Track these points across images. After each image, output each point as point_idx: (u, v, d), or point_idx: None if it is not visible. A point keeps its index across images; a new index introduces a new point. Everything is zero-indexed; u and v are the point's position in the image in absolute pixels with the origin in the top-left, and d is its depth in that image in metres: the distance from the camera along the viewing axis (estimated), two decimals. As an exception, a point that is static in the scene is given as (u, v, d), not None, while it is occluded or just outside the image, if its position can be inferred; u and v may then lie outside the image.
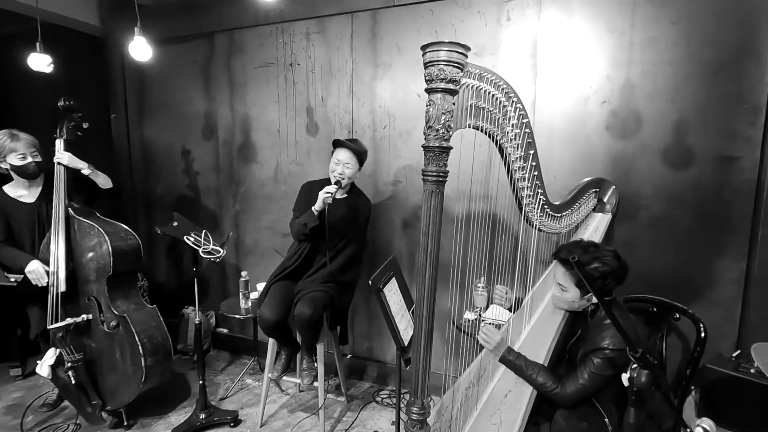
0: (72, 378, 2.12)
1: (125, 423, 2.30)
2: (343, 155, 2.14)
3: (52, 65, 2.38)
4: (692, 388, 1.75)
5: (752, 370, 1.77)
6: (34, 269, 2.11)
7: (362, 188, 2.62)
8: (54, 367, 2.17)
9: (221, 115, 2.98)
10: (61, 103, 2.18)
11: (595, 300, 1.50)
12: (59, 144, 2.19)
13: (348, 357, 2.83)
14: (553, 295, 1.63)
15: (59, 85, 3.08)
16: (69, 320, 2.13)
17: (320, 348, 2.20)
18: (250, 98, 2.87)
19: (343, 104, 2.62)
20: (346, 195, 2.26)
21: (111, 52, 3.23)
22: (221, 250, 2.11)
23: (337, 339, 2.41)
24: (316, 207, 2.08)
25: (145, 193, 3.33)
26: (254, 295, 2.61)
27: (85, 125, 2.26)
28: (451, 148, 1.20)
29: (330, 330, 2.28)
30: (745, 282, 1.96)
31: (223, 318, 3.20)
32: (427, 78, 1.16)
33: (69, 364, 2.11)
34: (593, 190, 1.90)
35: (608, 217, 2.03)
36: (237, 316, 2.52)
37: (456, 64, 1.14)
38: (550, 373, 1.49)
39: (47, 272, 2.13)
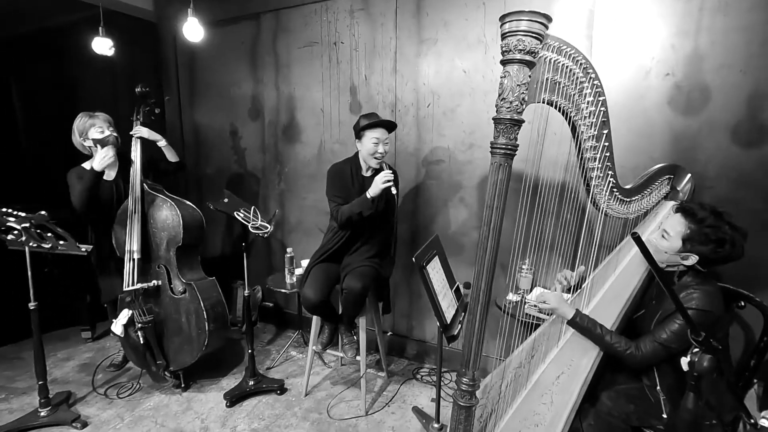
0: (141, 338, 2.33)
1: (182, 384, 2.48)
2: (381, 133, 2.12)
3: (113, 48, 2.52)
4: (755, 381, 1.65)
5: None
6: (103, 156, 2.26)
7: (405, 167, 2.62)
8: (126, 327, 2.38)
9: (267, 96, 3.05)
10: (138, 90, 2.38)
11: (688, 263, 1.46)
12: (136, 125, 2.41)
13: (389, 334, 2.88)
14: (647, 238, 1.58)
15: (117, 69, 3.25)
16: (141, 285, 2.32)
17: (362, 321, 2.26)
18: (295, 78, 2.91)
19: (386, 82, 2.59)
20: (376, 171, 2.23)
21: (164, 35, 3.36)
22: (269, 226, 2.20)
23: (381, 309, 2.43)
24: (372, 193, 2.04)
25: (195, 172, 3.49)
26: (299, 271, 2.70)
27: (157, 110, 2.46)
28: (524, 121, 1.17)
29: (378, 301, 2.33)
30: (822, 270, 1.80)
31: (270, 292, 3.33)
32: (504, 49, 1.13)
33: (139, 325, 2.32)
34: (667, 176, 1.79)
35: None
36: (283, 291, 2.61)
37: (536, 35, 1.11)
38: (620, 334, 1.47)
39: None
